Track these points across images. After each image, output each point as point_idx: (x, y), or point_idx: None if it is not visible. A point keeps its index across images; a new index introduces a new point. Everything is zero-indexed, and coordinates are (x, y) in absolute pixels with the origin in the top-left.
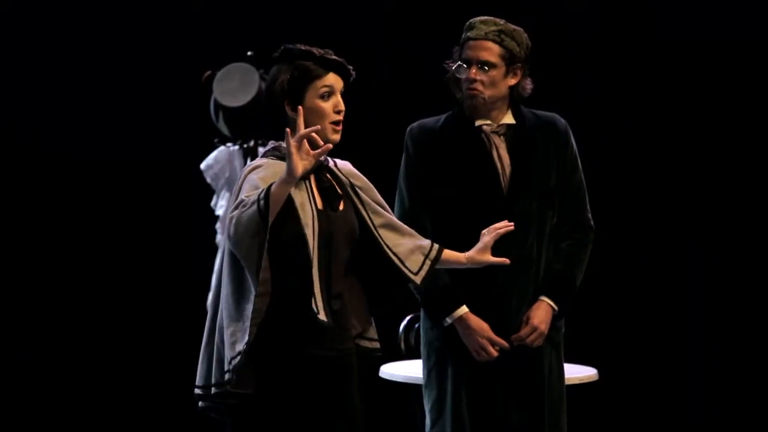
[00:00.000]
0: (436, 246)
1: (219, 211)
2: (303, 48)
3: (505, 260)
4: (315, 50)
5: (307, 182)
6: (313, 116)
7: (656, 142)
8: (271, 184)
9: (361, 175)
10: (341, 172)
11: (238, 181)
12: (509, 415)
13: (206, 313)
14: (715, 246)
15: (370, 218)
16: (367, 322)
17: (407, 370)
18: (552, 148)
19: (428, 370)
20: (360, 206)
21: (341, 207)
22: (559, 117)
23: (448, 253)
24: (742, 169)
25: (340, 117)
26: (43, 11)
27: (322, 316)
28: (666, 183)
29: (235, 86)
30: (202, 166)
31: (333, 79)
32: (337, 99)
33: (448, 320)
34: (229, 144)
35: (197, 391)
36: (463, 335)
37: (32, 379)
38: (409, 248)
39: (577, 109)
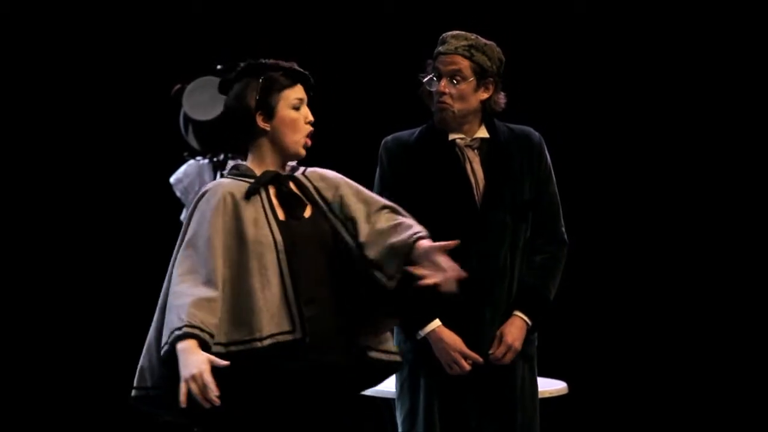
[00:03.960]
0: (412, 241)
1: None
2: (269, 61)
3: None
4: (281, 62)
5: (264, 193)
6: (288, 127)
7: (627, 160)
8: (190, 335)
9: (330, 175)
10: (308, 179)
11: (194, 201)
12: (482, 428)
13: None
14: (686, 260)
15: (343, 224)
16: (374, 330)
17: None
18: (526, 162)
19: (401, 382)
20: (329, 213)
21: (307, 214)
22: (533, 130)
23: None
24: (718, 189)
25: (311, 128)
26: (15, 22)
27: (297, 334)
28: (639, 199)
29: (205, 100)
30: (172, 179)
31: (301, 91)
32: (306, 110)
33: (421, 334)
34: (198, 158)
35: (139, 393)
36: (436, 349)
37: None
38: (391, 250)
39: (558, 118)
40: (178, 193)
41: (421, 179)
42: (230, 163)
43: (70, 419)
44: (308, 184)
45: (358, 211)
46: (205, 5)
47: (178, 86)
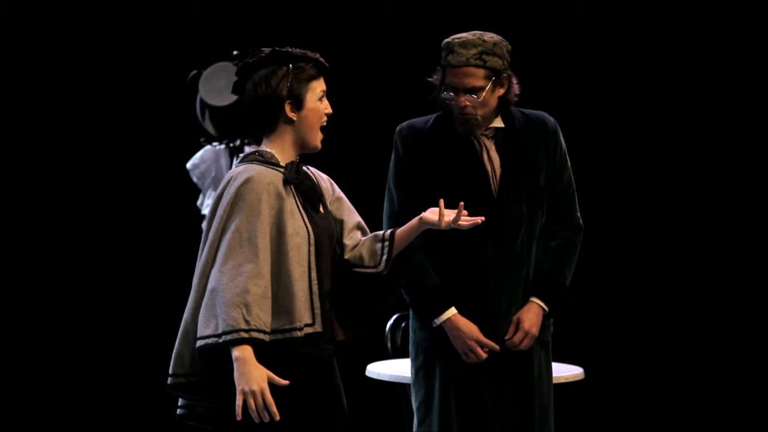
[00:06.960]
0: (389, 231)
1: (205, 211)
2: (297, 50)
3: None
4: (309, 53)
5: (291, 187)
6: (314, 118)
7: (644, 142)
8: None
9: (324, 176)
10: (314, 176)
11: (227, 190)
12: (499, 414)
13: None
14: (702, 246)
15: (337, 224)
16: (348, 332)
17: (394, 369)
18: (541, 148)
19: (416, 369)
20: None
21: (321, 210)
22: (549, 116)
23: (402, 230)
24: (731, 171)
25: (326, 119)
26: (30, 12)
27: (318, 327)
28: (653, 184)
29: (221, 85)
30: (188, 165)
31: (324, 83)
32: (327, 102)
33: (437, 322)
34: (215, 143)
35: (177, 380)
36: (452, 337)
37: (15, 381)
38: (368, 244)
39: (571, 105)
40: (194, 179)
41: (437, 167)
42: (247, 149)
43: (79, 417)
44: (316, 182)
45: (345, 215)
46: None
47: (195, 72)
